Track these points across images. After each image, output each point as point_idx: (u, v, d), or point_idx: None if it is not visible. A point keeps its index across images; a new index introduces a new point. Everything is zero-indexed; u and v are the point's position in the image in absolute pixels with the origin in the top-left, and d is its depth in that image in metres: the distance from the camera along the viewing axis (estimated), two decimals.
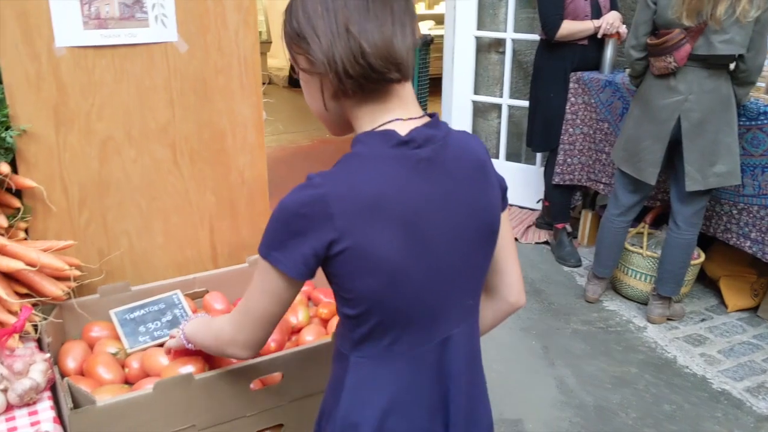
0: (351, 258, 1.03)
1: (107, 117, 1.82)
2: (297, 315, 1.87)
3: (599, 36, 3.98)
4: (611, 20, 3.96)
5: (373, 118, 1.09)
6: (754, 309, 3.72)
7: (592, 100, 4.06)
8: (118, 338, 1.79)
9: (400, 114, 1.09)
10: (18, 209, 1.75)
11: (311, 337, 1.80)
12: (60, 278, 1.75)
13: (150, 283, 1.91)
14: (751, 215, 3.42)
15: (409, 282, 1.08)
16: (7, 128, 1.71)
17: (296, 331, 1.84)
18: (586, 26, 3.98)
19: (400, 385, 1.15)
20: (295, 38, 1.08)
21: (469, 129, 5.00)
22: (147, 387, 1.47)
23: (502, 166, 4.88)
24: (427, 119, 1.12)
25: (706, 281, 3.97)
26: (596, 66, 4.13)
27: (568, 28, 3.95)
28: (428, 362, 1.16)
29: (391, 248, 1.04)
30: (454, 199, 1.10)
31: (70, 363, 1.69)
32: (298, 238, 1.03)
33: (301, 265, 1.05)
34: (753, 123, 3.31)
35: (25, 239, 1.78)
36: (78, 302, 1.78)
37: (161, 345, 1.78)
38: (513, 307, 1.31)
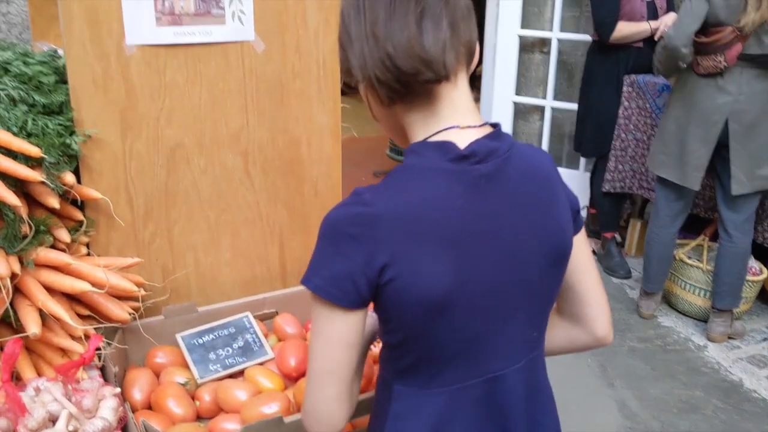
0: (399, 287, 0.93)
1: (177, 122, 1.66)
2: (377, 342, 1.70)
3: (656, 38, 3.80)
4: (669, 22, 3.78)
5: (425, 126, 0.99)
6: None
7: (647, 104, 3.88)
8: (185, 366, 1.63)
9: (454, 121, 0.98)
10: (80, 222, 1.59)
11: None
12: (124, 298, 1.60)
13: (217, 304, 1.76)
14: None
15: (454, 317, 0.97)
16: (72, 133, 1.55)
17: (375, 361, 1.67)
18: (642, 28, 3.80)
19: (447, 420, 1.06)
20: (339, 44, 1.02)
21: (509, 131, 4.82)
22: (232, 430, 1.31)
23: None
24: (488, 129, 1.01)
25: (766, 298, 3.80)
26: (650, 69, 3.95)
27: (624, 30, 3.77)
28: (474, 398, 1.06)
29: (442, 279, 0.94)
30: (517, 221, 1.00)
31: (137, 394, 1.53)
32: (346, 260, 0.93)
33: (352, 292, 0.93)
34: None
35: (88, 254, 1.63)
36: (142, 324, 1.62)
37: (232, 375, 1.62)
38: (599, 343, 1.19)
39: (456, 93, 0.99)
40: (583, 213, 4.44)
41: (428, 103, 0.98)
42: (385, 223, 0.92)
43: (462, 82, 1.00)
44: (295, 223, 1.87)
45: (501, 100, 4.92)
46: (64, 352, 1.50)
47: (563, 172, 4.71)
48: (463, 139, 0.97)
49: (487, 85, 4.96)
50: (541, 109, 4.89)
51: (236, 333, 1.69)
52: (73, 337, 1.50)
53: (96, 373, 1.51)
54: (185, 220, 1.74)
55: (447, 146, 0.96)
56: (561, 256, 1.06)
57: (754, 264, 3.53)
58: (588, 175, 4.41)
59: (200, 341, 1.66)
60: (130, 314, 1.58)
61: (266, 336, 1.73)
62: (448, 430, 1.06)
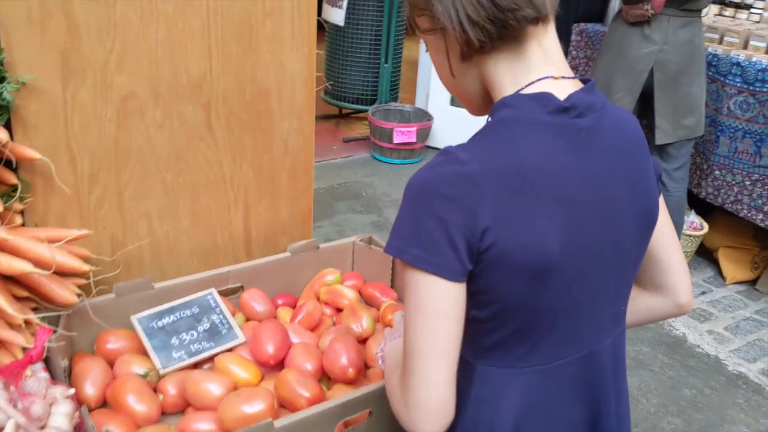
0: (502, 251, 0.84)
1: (129, 68, 1.40)
2: (361, 322, 1.53)
3: None
4: None
5: (514, 78, 0.90)
6: (751, 282, 3.62)
7: (595, 54, 3.79)
8: (143, 353, 1.42)
9: (547, 71, 0.90)
10: (13, 186, 1.33)
11: (380, 353, 1.47)
12: (68, 275, 1.36)
13: (176, 279, 1.53)
14: (766, 187, 3.26)
15: (559, 281, 0.89)
16: (2, 80, 1.27)
17: (360, 342, 1.51)
18: None
19: (536, 401, 0.97)
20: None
21: None
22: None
23: (482, 119, 4.57)
24: (579, 82, 0.94)
25: (701, 251, 3.85)
26: (600, 18, 3.86)
27: None
28: (569, 377, 0.99)
29: (548, 239, 0.86)
30: (615, 178, 0.93)
31: (89, 389, 1.32)
32: (445, 225, 0.83)
33: (454, 260, 0.84)
34: None
35: (22, 225, 1.37)
36: (90, 305, 1.39)
37: (198, 364, 1.42)
38: (681, 310, 1.13)
39: (547, 39, 0.90)
40: None
41: (519, 49, 0.89)
42: (486, 181, 0.83)
43: (552, 27, 0.91)
44: (262, 186, 1.65)
45: None
46: (1, 344, 1.25)
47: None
48: (559, 91, 0.89)
49: None
50: None
51: (200, 313, 1.48)
52: (11, 326, 1.26)
53: (40, 366, 1.28)
54: (138, 183, 1.49)
55: (546, 98, 0.88)
56: (651, 220, 1.00)
57: (695, 219, 3.54)
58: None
59: (160, 324, 1.44)
60: (77, 295, 1.34)
61: (233, 314, 1.53)
62: (538, 413, 0.97)
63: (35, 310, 1.34)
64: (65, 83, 1.35)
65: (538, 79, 0.89)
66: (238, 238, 1.66)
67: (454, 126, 4.64)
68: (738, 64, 3.21)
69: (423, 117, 4.61)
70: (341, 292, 1.64)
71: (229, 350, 1.45)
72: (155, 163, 1.49)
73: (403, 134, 4.36)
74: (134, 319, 1.43)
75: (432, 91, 4.70)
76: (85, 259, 1.39)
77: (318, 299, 1.67)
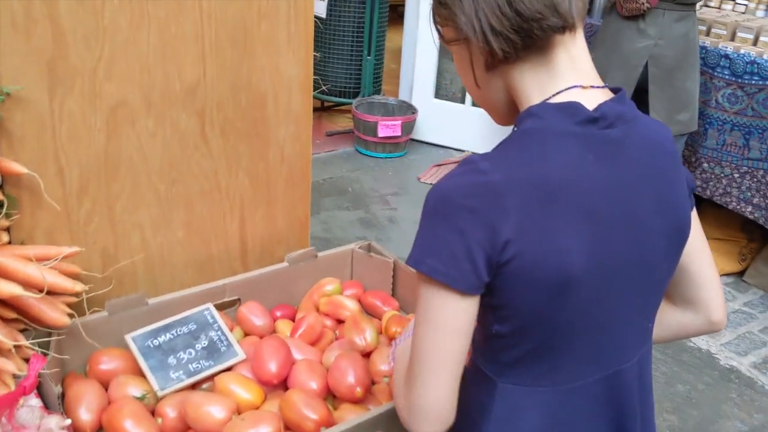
0: (523, 265, 0.82)
1: (119, 76, 1.33)
2: (364, 335, 1.48)
3: None
4: None
5: (541, 87, 0.88)
6: (739, 274, 3.63)
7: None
8: (139, 373, 1.36)
9: (575, 80, 0.87)
10: None
11: (386, 367, 1.43)
12: (58, 294, 1.29)
13: (170, 294, 1.47)
14: (755, 180, 3.26)
15: (581, 297, 0.86)
16: None
17: (364, 356, 1.46)
18: None
19: (559, 421, 0.95)
20: (437, 7, 0.91)
21: (434, 70, 4.60)
22: None
23: (467, 111, 4.52)
24: (609, 92, 0.91)
25: None
26: (588, 10, 3.82)
27: None
28: (593, 397, 0.96)
29: (572, 254, 0.83)
30: (645, 193, 0.90)
31: (84, 415, 1.25)
32: (464, 237, 0.81)
33: (471, 273, 0.82)
34: (766, 83, 3.11)
35: (9, 242, 1.30)
36: (82, 324, 1.33)
37: (197, 384, 1.36)
38: (713, 327, 1.09)
39: (575, 47, 0.88)
40: None
41: (545, 59, 0.87)
42: (509, 192, 0.81)
43: (581, 34, 0.89)
44: (258, 194, 1.59)
45: (428, 34, 4.66)
46: None
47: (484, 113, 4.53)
48: (588, 101, 0.86)
49: (410, 18, 4.68)
50: None
51: (198, 330, 1.42)
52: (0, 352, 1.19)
53: (32, 393, 1.21)
54: (129, 195, 1.42)
55: (574, 107, 0.85)
56: (682, 235, 0.96)
57: None
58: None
59: (156, 342, 1.38)
60: (68, 315, 1.28)
61: (231, 329, 1.47)
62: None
63: (23, 331, 1.27)
64: (52, 93, 1.27)
65: (566, 89, 0.87)
66: (233, 249, 1.60)
67: (439, 119, 4.59)
68: (726, 56, 3.20)
69: (407, 110, 4.56)
70: (342, 303, 1.59)
71: (229, 368, 1.40)
72: (147, 173, 1.43)
73: (388, 128, 4.30)
74: (129, 338, 1.37)
75: (416, 83, 4.64)
76: (76, 277, 1.33)
77: (318, 310, 1.62)
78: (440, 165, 4.36)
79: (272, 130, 1.54)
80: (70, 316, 1.29)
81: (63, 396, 1.28)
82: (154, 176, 1.44)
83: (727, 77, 3.23)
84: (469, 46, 0.89)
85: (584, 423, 0.96)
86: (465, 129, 4.52)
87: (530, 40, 0.84)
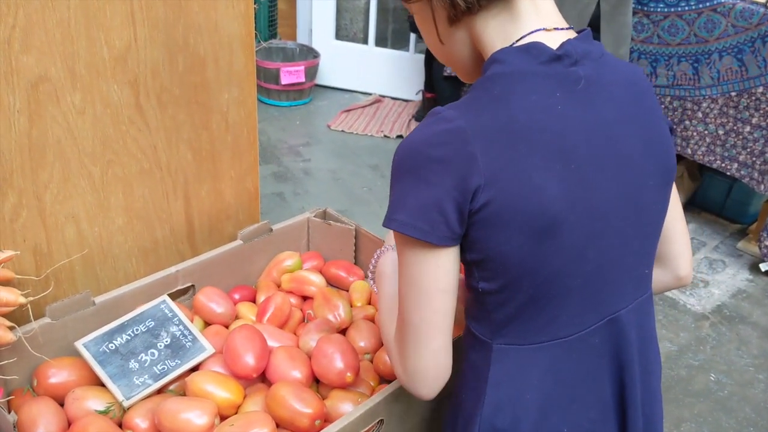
0: (498, 211, 0.78)
1: (38, 46, 1.13)
2: (337, 311, 1.39)
3: None
4: None
5: (505, 34, 0.85)
6: None
7: None
8: (97, 383, 1.21)
9: (538, 23, 0.85)
10: None
11: (363, 343, 1.34)
12: None
13: (118, 289, 1.31)
14: (663, 106, 3.34)
15: (570, 239, 0.82)
16: None
17: (339, 333, 1.36)
18: None
19: (560, 379, 0.91)
20: None
21: (333, 10, 4.40)
22: None
23: (371, 52, 4.38)
24: (573, 33, 0.88)
25: None
26: None
27: None
28: (594, 348, 0.92)
29: (550, 194, 0.79)
30: (629, 132, 0.87)
31: None
32: (432, 187, 0.78)
33: (441, 224, 0.79)
34: (672, 9, 3.16)
35: None
36: (24, 335, 1.16)
37: (166, 386, 1.23)
38: (680, 282, 1.07)
39: None
40: (419, 97, 4.25)
41: (508, 5, 0.84)
42: (475, 136, 0.78)
43: None
44: (203, 167, 1.43)
45: None
46: None
47: (393, 54, 4.41)
48: (552, 42, 0.84)
49: None
50: None
51: (157, 327, 1.28)
52: None
53: None
54: (60, 182, 1.24)
55: (536, 47, 0.82)
56: (671, 171, 0.93)
57: None
58: (420, 56, 4.19)
59: (112, 347, 1.23)
60: (9, 328, 1.11)
61: (190, 320, 1.34)
62: (564, 393, 0.91)
63: None
64: None
65: (530, 32, 0.84)
66: (179, 231, 1.45)
67: (342, 61, 4.43)
68: None
69: (309, 54, 4.36)
70: (307, 279, 1.47)
71: (197, 365, 1.27)
72: (78, 156, 1.24)
73: (291, 74, 4.11)
74: (79, 345, 1.21)
75: (315, 25, 4.44)
76: (9, 282, 1.15)
77: (279, 288, 1.50)
78: (349, 110, 4.22)
79: (214, 95, 1.38)
80: (11, 329, 1.12)
81: (16, 424, 1.12)
82: (86, 159, 1.25)
83: (662, 9, 3.24)
84: (430, 2, 0.86)
85: (586, 379, 0.92)
86: (370, 71, 4.38)
87: None
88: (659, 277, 1.05)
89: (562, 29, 0.86)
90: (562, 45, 0.83)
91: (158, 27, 1.25)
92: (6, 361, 1.14)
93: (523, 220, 0.79)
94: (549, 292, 0.85)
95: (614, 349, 0.93)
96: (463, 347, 0.97)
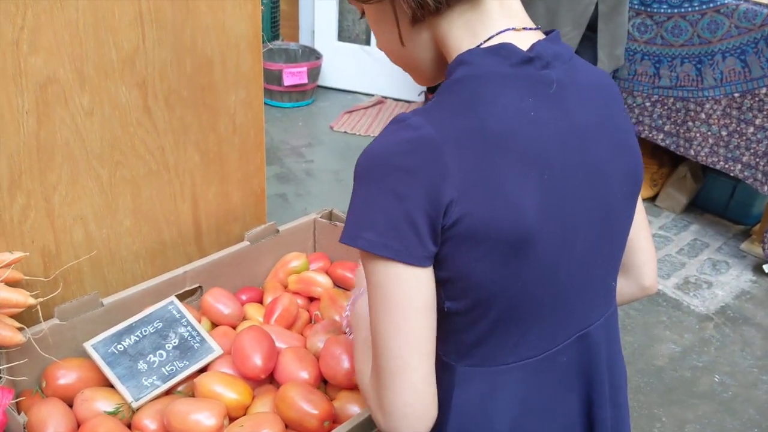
0: (472, 227, 0.72)
1: (46, 47, 1.14)
2: (345, 312, 1.38)
3: None
4: None
5: (473, 33, 0.79)
6: (650, 199, 3.76)
7: None
8: (106, 385, 1.21)
9: (507, 22, 0.80)
10: None
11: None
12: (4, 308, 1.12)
13: (126, 291, 1.31)
14: (666, 107, 3.34)
15: (543, 255, 0.77)
16: None
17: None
18: None
19: (527, 400, 0.85)
20: None
21: (335, 11, 4.41)
22: None
23: (373, 53, 4.38)
24: (542, 34, 0.83)
25: None
26: None
27: None
28: (561, 366, 0.87)
29: (525, 209, 0.74)
30: (598, 137, 0.82)
31: None
32: (402, 201, 0.71)
33: (415, 242, 0.71)
34: (675, 10, 3.16)
35: None
36: (32, 336, 1.16)
37: (175, 388, 1.23)
38: (645, 293, 1.02)
39: None
40: (421, 98, 4.25)
41: (475, 6, 0.78)
42: (446, 145, 0.71)
43: None
44: (210, 169, 1.43)
45: None
46: None
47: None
48: (521, 42, 0.78)
49: None
50: None
51: (165, 328, 1.28)
52: None
53: None
54: (68, 184, 1.24)
55: (506, 48, 0.76)
56: (638, 181, 0.88)
57: None
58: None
59: (120, 348, 1.23)
60: (19, 329, 1.11)
61: (199, 322, 1.34)
62: (533, 413, 0.86)
63: None
64: None
65: (498, 33, 0.79)
66: (187, 232, 1.45)
67: (345, 62, 4.43)
68: None
69: (311, 55, 4.37)
70: (313, 280, 1.47)
71: (205, 366, 1.27)
72: (87, 158, 1.24)
73: (294, 75, 4.11)
74: (88, 346, 1.21)
75: (317, 26, 4.45)
76: (18, 284, 1.15)
77: (286, 289, 1.50)
78: (351, 111, 4.22)
79: (221, 97, 1.38)
80: (20, 329, 1.12)
81: (27, 425, 1.12)
82: (94, 160, 1.26)
83: (636, 7, 3.25)
84: (392, 2, 0.79)
85: (553, 399, 0.88)
86: (372, 72, 4.39)
87: None
88: (623, 287, 1.00)
89: (530, 29, 0.81)
90: (533, 47, 0.78)
91: (166, 28, 1.26)
92: (15, 363, 1.14)
93: (497, 237, 0.73)
94: (519, 311, 0.80)
95: (583, 366, 0.89)
96: None
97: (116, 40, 1.21)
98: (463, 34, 0.79)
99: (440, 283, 0.77)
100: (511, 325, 0.80)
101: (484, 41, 0.78)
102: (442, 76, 0.83)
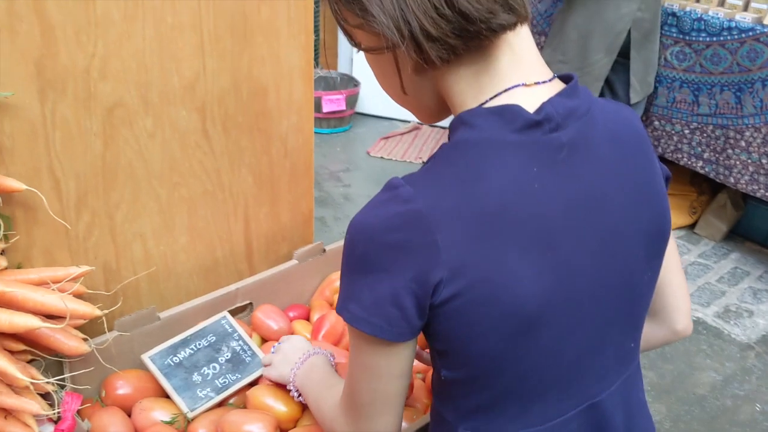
0: (465, 308, 0.70)
1: (114, 74, 1.21)
2: None
3: None
4: None
5: (478, 88, 0.73)
6: (690, 227, 3.74)
7: (554, 8, 3.72)
8: (162, 394, 1.26)
9: (518, 77, 0.73)
10: None
11: (415, 362, 1.37)
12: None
13: (181, 305, 1.37)
14: (705, 135, 3.34)
15: (547, 335, 0.74)
16: None
17: None
18: None
19: None
20: (344, 2, 0.73)
21: None
22: None
23: None
24: (558, 84, 0.76)
25: None
26: None
27: None
28: None
29: (526, 291, 0.70)
30: (615, 199, 0.76)
31: None
32: (389, 279, 0.69)
33: (399, 320, 0.71)
34: (714, 39, 3.17)
35: (6, 268, 1.17)
36: (96, 347, 1.21)
37: (227, 399, 1.28)
38: (677, 336, 0.98)
39: (520, 39, 0.73)
40: None
41: (486, 58, 0.72)
42: (437, 222, 0.67)
43: (526, 24, 0.74)
44: (262, 191, 1.49)
45: None
46: (7, 413, 1.07)
47: None
48: (531, 101, 0.72)
49: None
50: None
51: (218, 342, 1.33)
52: (15, 391, 1.07)
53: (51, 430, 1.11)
54: (130, 203, 1.31)
55: (511, 111, 0.71)
56: (664, 231, 0.83)
57: None
58: None
59: (176, 360, 1.28)
60: (87, 342, 1.17)
61: (249, 337, 1.39)
62: None
63: (31, 362, 1.16)
64: (43, 97, 1.14)
65: (506, 89, 0.73)
66: (238, 250, 1.51)
67: (381, 90, 4.50)
68: (673, 14, 3.24)
69: (349, 83, 4.46)
70: None
71: (256, 379, 1.32)
72: (148, 177, 1.31)
73: (333, 102, 4.20)
74: (146, 358, 1.27)
75: (355, 55, 4.54)
76: (80, 297, 1.21)
77: (331, 307, 1.54)
78: (388, 137, 4.29)
79: (274, 123, 1.44)
80: (85, 340, 1.18)
81: None
82: (154, 180, 1.32)
83: (675, 35, 3.27)
84: (394, 52, 0.74)
85: None
86: None
87: (476, 41, 0.70)
88: (654, 332, 0.97)
89: (544, 82, 0.75)
90: (542, 107, 0.72)
91: (225, 58, 1.32)
92: (78, 372, 1.20)
93: (493, 319, 0.70)
94: (521, 387, 0.77)
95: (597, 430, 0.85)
96: (430, 424, 0.91)
97: (179, 68, 1.27)
98: (467, 88, 0.74)
99: (437, 353, 0.77)
100: (511, 399, 0.78)
101: (490, 98, 0.73)
102: (447, 115, 0.81)
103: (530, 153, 0.71)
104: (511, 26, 0.70)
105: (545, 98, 0.72)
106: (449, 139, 0.75)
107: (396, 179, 0.71)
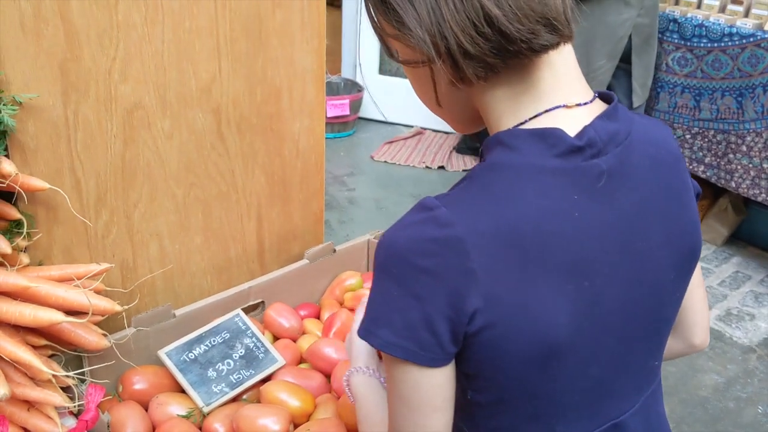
0: (498, 338, 0.68)
1: (134, 76, 1.24)
2: None
3: None
4: None
5: (516, 108, 0.71)
6: None
7: None
8: (177, 389, 1.29)
9: (559, 98, 0.70)
10: (14, 222, 1.16)
11: None
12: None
13: (196, 303, 1.40)
14: (707, 140, 3.37)
15: (571, 364, 0.73)
16: None
17: None
18: None
19: None
20: (381, 12, 0.70)
21: (376, 46, 4.53)
22: None
23: None
24: (599, 105, 0.74)
25: None
26: None
27: None
28: None
29: (559, 322, 0.69)
30: (649, 226, 0.75)
31: None
32: (422, 304, 0.66)
33: (433, 345, 0.68)
34: (715, 45, 3.21)
35: (28, 265, 1.20)
36: (114, 342, 1.24)
37: (241, 395, 1.30)
38: (694, 350, 0.97)
39: (561, 59, 0.71)
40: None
41: (524, 75, 0.70)
42: (474, 250, 0.65)
43: (570, 42, 0.72)
44: (275, 192, 1.52)
45: None
46: (30, 405, 1.10)
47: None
48: (571, 123, 0.70)
49: None
50: None
51: (232, 338, 1.36)
52: (37, 383, 1.10)
53: (72, 424, 1.13)
54: (147, 202, 1.34)
55: (553, 135, 0.68)
56: (694, 257, 0.83)
57: None
58: None
59: (191, 356, 1.31)
60: (107, 337, 1.20)
61: (262, 334, 1.42)
62: None
63: (51, 357, 1.19)
64: (66, 99, 1.17)
65: (546, 110, 0.70)
66: (251, 250, 1.54)
67: (386, 95, 4.55)
68: (675, 20, 3.28)
69: (353, 88, 4.49)
70: None
71: (269, 375, 1.34)
72: (165, 178, 1.34)
73: (336, 107, 4.23)
74: (162, 354, 1.30)
75: (359, 60, 4.58)
76: (99, 293, 1.24)
77: (342, 306, 1.57)
78: (391, 142, 4.32)
79: (287, 124, 1.48)
80: (103, 335, 1.21)
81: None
82: (171, 181, 1.35)
83: (676, 41, 3.31)
84: (430, 66, 0.71)
85: None
86: (412, 104, 4.48)
87: (516, 61, 0.67)
88: (672, 345, 0.94)
89: (585, 104, 0.72)
90: (584, 132, 0.69)
91: (240, 60, 1.36)
92: (96, 366, 1.23)
93: (523, 349, 0.69)
94: (546, 408, 0.76)
95: None
96: None
97: (196, 71, 1.31)
98: (506, 106, 0.71)
99: (464, 376, 0.74)
100: (538, 419, 0.77)
101: (529, 118, 0.70)
102: (482, 126, 0.78)
103: (571, 180, 0.68)
104: (554, 46, 0.68)
105: (586, 121, 0.70)
106: (482, 157, 0.72)
107: (430, 199, 0.68)
